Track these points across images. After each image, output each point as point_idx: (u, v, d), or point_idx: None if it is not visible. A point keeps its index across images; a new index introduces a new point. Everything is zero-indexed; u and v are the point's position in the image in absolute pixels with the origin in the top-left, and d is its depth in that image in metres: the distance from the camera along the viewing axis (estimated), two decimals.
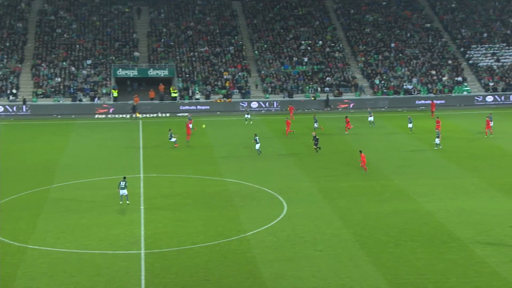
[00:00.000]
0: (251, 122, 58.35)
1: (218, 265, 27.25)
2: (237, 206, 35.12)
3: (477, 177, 40.07)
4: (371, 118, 57.22)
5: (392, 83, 71.39)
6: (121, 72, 70.52)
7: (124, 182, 35.07)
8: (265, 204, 35.58)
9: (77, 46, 73.88)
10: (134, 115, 63.82)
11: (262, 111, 67.31)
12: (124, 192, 35.05)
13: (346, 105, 68.78)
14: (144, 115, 65.40)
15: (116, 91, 68.61)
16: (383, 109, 67.73)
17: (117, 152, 48.61)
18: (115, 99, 68.30)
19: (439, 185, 38.64)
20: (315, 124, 55.31)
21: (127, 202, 35.14)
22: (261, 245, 29.44)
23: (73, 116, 64.66)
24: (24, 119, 63.53)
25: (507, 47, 76.23)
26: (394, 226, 31.74)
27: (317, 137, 47.76)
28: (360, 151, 42.21)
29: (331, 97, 69.62)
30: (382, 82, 71.67)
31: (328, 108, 67.36)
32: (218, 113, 67.02)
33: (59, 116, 64.69)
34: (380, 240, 29.96)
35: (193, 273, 26.46)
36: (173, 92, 68.83)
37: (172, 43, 75.72)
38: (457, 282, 25.26)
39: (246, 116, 60.29)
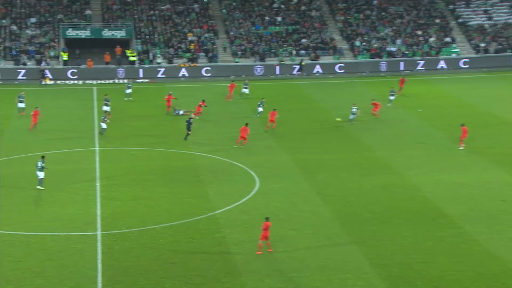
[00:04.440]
0: (130, 98, 54.14)
1: (184, 246, 27.25)
2: (205, 182, 35.07)
3: (467, 147, 40.65)
4: (245, 90, 55.30)
5: (374, 45, 71.54)
6: (71, 33, 69.13)
7: (41, 163, 33.40)
8: (236, 179, 35.60)
9: (18, 1, 71.99)
10: (43, 81, 62.64)
11: (231, 77, 66.90)
12: (41, 174, 33.14)
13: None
14: (100, 81, 64.47)
15: (66, 54, 67.32)
16: (364, 73, 67.97)
17: (69, 123, 47.89)
18: (65, 62, 67.06)
19: (426, 157, 39.13)
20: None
21: (39, 187, 33.23)
22: (232, 224, 29.51)
23: (16, 82, 63.32)
24: None
25: (500, 3, 76.83)
26: (377, 202, 32.11)
27: (191, 119, 43.30)
28: (246, 124, 41.39)
29: (307, 61, 69.43)
30: (363, 44, 71.76)
31: (303, 73, 66.74)
32: (182, 79, 66.43)
33: (0, 82, 63.26)
34: (363, 218, 30.30)
35: (156, 255, 26.41)
36: (131, 56, 67.85)
37: (129, 0, 74.38)
38: (445, 262, 25.75)
39: (126, 91, 53.99)
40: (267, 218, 26.61)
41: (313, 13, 75.41)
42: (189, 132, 42.80)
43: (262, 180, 35.25)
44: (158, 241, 27.67)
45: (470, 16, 75.86)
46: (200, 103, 49.32)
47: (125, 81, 62.37)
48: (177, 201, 32.29)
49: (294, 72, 67.15)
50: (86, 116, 49.84)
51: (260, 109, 49.01)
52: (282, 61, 69.04)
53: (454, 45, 71.96)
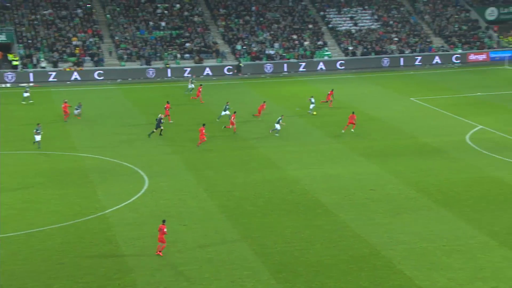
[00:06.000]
0: (30, 101, 52.81)
1: (74, 246, 26.35)
2: (94, 183, 34.08)
3: (341, 142, 42.29)
4: (191, 86, 56.12)
5: (254, 49, 72.62)
6: None
7: None
8: (125, 179, 34.88)
9: None
10: None
11: (118, 80, 65.46)
12: None
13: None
14: None
15: None
16: (246, 75, 68.76)
17: None
18: None
19: (304, 152, 40.25)
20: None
21: None
22: (122, 222, 28.91)
23: None
24: None
25: (363, 11, 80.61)
26: (261, 196, 32.64)
27: (161, 118, 43.26)
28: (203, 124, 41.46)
29: (191, 63, 69.29)
30: (244, 47, 72.65)
31: (240, 74, 67.76)
32: (68, 82, 64.08)
33: None
34: (247, 211, 30.70)
35: (45, 257, 25.34)
36: (14, 60, 64.54)
37: (8, 4, 70.71)
38: (322, 248, 26.67)
39: (24, 94, 53.24)
40: (163, 221, 26.09)
41: (196, 19, 75.36)
42: (155, 130, 42.45)
43: (151, 179, 34.79)
44: (47, 243, 26.55)
45: (339, 22, 78.95)
46: (166, 105, 47.94)
47: (8, 85, 59.24)
48: (66, 203, 31.14)
49: (233, 73, 68.14)
50: None
51: (226, 112, 47.33)
52: (168, 64, 68.44)
53: (326, 48, 74.55)
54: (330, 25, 78.12)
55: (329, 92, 53.45)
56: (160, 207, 30.80)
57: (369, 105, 53.62)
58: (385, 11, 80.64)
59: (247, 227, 28.68)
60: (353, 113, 44.52)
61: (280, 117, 44.06)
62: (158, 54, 69.79)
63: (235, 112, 45.36)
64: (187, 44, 71.80)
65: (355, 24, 78.53)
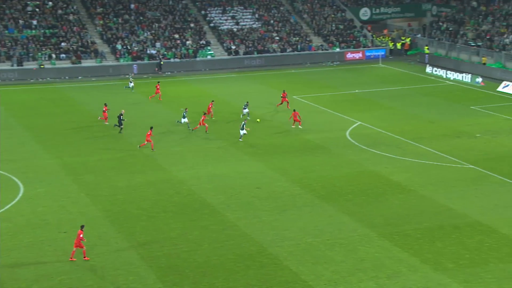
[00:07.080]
0: None
1: None
2: None
3: (225, 141, 42.54)
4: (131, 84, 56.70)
5: (135, 48, 71.37)
6: None
7: None
8: None
9: None
10: None
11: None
12: None
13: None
14: None
15: None
16: (127, 75, 67.43)
17: None
18: None
19: (189, 152, 40.15)
20: None
21: None
22: None
23: None
24: None
25: (244, 10, 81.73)
26: (146, 198, 32.18)
27: (122, 115, 44.11)
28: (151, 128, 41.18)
29: (68, 65, 66.89)
30: (124, 47, 71.20)
31: (160, 72, 68.06)
32: None
33: None
34: (132, 214, 30.15)
35: None
36: None
37: None
38: (209, 248, 26.77)
39: None
40: (82, 226, 25.56)
41: (71, 17, 72.79)
42: (121, 126, 42.81)
43: (26, 186, 33.20)
44: None
45: (221, 21, 79.49)
46: (104, 108, 46.41)
47: None
48: None
49: (156, 70, 68.26)
50: None
51: (185, 119, 45.50)
52: (42, 65, 65.53)
53: (209, 47, 74.77)
54: (212, 24, 78.46)
55: (282, 94, 52.99)
56: (38, 215, 29.48)
57: (252, 103, 54.44)
58: (266, 10, 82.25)
59: (132, 231, 28.16)
60: (294, 110, 46.40)
61: (243, 122, 43.43)
62: (31, 54, 66.66)
63: (204, 114, 45.32)
64: (63, 44, 69.19)
65: (237, 23, 79.42)
